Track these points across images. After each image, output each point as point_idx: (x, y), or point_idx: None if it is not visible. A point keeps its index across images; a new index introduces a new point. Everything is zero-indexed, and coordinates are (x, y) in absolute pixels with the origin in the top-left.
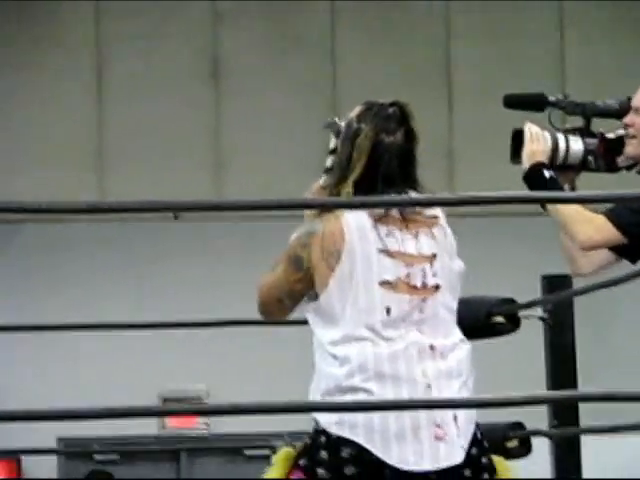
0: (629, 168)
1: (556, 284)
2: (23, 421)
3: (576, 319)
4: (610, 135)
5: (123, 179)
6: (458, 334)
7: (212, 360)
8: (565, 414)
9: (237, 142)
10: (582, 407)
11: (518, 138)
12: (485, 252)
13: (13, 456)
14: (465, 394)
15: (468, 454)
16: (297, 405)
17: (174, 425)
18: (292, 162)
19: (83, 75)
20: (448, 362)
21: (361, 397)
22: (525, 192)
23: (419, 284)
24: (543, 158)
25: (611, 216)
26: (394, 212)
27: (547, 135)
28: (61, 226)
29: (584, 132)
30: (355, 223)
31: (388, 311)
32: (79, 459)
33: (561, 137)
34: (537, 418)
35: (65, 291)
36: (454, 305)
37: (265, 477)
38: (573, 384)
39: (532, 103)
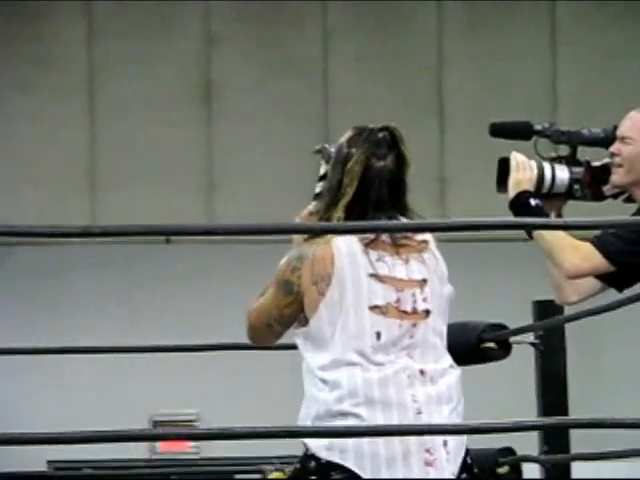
0: (615, 197)
1: (547, 310)
2: (12, 445)
3: (567, 344)
4: (596, 163)
5: (115, 200)
6: (448, 359)
7: (203, 384)
8: (555, 440)
9: (229, 164)
10: (573, 432)
11: (504, 166)
12: (476, 278)
13: None
14: (455, 420)
15: None
16: (287, 430)
17: (165, 449)
18: (284, 184)
19: (76, 97)
20: (438, 387)
21: (351, 422)
22: (512, 218)
23: (409, 309)
24: (529, 186)
25: (598, 244)
26: (384, 237)
27: (533, 163)
28: (53, 248)
29: (570, 161)
30: (345, 248)
31: (378, 336)
32: None
33: (547, 166)
34: (528, 443)
35: (56, 313)
36: (444, 330)
37: None
38: (564, 410)
39: (517, 132)
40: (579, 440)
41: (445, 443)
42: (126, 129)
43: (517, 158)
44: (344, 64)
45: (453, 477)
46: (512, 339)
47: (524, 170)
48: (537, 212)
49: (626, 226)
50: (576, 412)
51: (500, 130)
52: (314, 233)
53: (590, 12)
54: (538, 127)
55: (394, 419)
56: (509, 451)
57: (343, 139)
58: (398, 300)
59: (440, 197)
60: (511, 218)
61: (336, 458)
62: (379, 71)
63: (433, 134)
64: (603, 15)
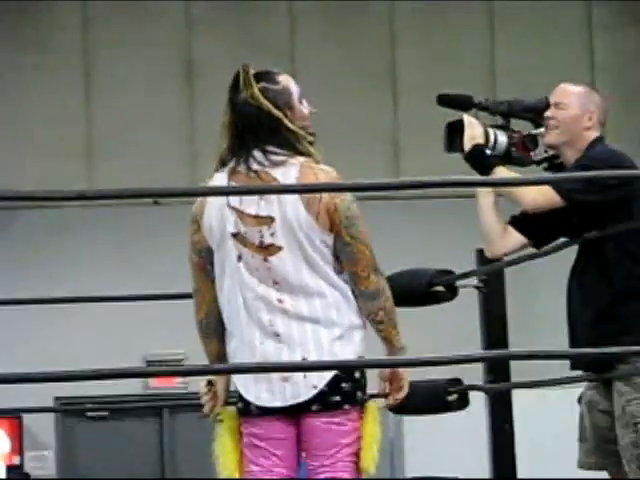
0: (539, 163)
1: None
2: (24, 383)
3: (506, 287)
4: (526, 132)
5: (110, 168)
6: (323, 281)
7: (190, 327)
8: (498, 371)
9: (209, 134)
10: (512, 364)
11: (452, 129)
12: (426, 230)
13: (15, 414)
14: (337, 347)
15: (323, 392)
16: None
17: (157, 385)
18: None
19: (73, 76)
20: (301, 316)
21: (234, 342)
22: (472, 177)
23: (257, 243)
24: (482, 140)
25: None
26: (240, 167)
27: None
28: (53, 211)
29: (505, 129)
30: (216, 182)
31: (239, 258)
32: (73, 416)
33: (490, 130)
34: (473, 374)
35: (60, 268)
36: (317, 263)
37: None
38: (505, 344)
39: (460, 103)
40: (517, 371)
41: (304, 360)
42: (118, 105)
43: (469, 118)
44: (308, 43)
45: (313, 390)
46: (458, 283)
47: (477, 127)
48: (492, 161)
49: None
50: (515, 347)
51: (445, 101)
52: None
53: None
54: (476, 100)
55: (256, 340)
56: (457, 381)
57: None
58: (246, 233)
59: (395, 160)
60: (472, 177)
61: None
62: (340, 49)
63: (387, 106)
64: None
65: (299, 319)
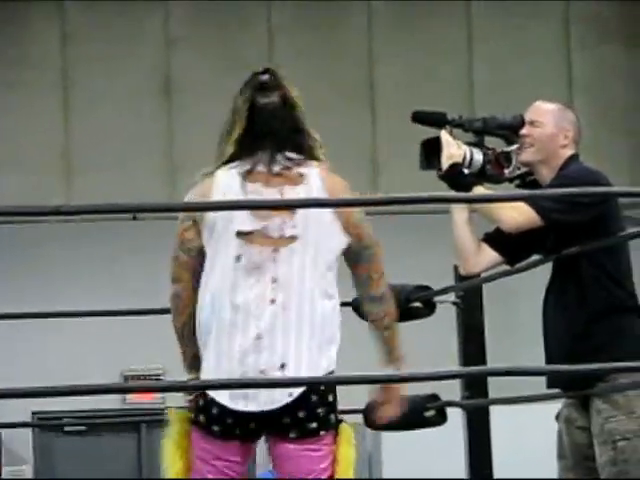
0: (511, 180)
1: None
2: (3, 398)
3: (484, 302)
4: (500, 150)
5: (88, 182)
6: (322, 291)
7: (168, 342)
8: (475, 387)
9: (188, 149)
10: (490, 380)
11: (427, 147)
12: (404, 245)
13: None
14: (315, 353)
15: (300, 399)
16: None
17: (134, 400)
18: None
19: (52, 92)
20: (290, 316)
21: (211, 344)
22: (454, 194)
23: (276, 235)
24: (459, 159)
25: (531, 202)
26: (260, 168)
27: (459, 142)
28: (32, 226)
29: (480, 146)
30: (224, 181)
31: (238, 259)
32: (51, 430)
33: (466, 147)
34: (451, 390)
35: (35, 284)
36: (329, 258)
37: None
38: (482, 360)
39: (434, 120)
40: (495, 386)
41: (283, 366)
42: (97, 120)
43: (446, 137)
44: (286, 59)
45: (288, 397)
46: (436, 299)
47: (454, 146)
48: (470, 180)
49: (547, 196)
50: (493, 362)
51: (419, 118)
52: (272, 208)
53: (503, 8)
54: (450, 117)
55: (236, 342)
56: (435, 397)
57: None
58: (265, 227)
59: (373, 177)
60: (449, 193)
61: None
62: (319, 67)
63: (366, 122)
64: (514, 14)
65: (286, 323)
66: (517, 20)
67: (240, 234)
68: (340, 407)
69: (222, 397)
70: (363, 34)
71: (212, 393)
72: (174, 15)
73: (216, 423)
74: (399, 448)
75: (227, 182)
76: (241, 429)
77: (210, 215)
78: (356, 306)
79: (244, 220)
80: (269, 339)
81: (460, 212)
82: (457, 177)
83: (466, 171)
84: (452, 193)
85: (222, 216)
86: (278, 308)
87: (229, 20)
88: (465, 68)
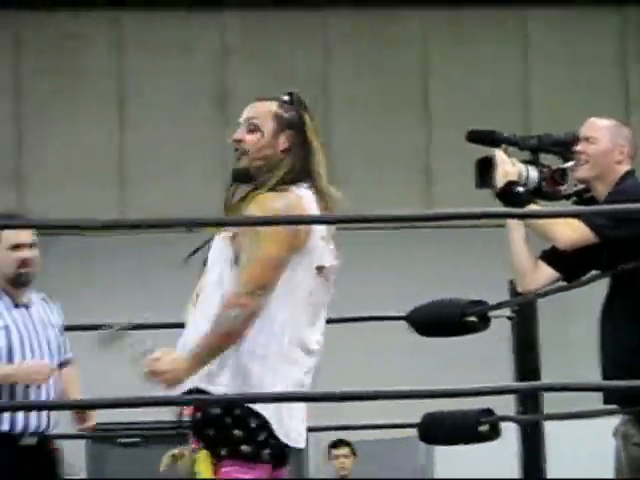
0: (568, 197)
1: None
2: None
3: (538, 317)
4: (556, 167)
5: (142, 192)
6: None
7: None
8: (530, 402)
9: None
10: (545, 393)
11: (482, 165)
12: (458, 260)
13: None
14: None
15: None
16: (289, 395)
17: (188, 412)
18: None
19: (107, 102)
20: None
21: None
22: (507, 209)
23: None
24: (515, 177)
25: (585, 219)
26: (323, 192)
27: (514, 160)
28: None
29: (535, 164)
30: (308, 200)
31: (311, 294)
32: (105, 442)
33: (522, 165)
34: (505, 404)
35: (90, 294)
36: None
37: None
38: (537, 375)
39: (489, 139)
40: (549, 400)
41: None
42: (152, 131)
43: (501, 155)
44: (341, 72)
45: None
46: (491, 313)
47: (510, 164)
48: (525, 198)
49: (601, 212)
50: (547, 377)
51: (474, 137)
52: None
53: (558, 24)
54: (505, 135)
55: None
56: (489, 412)
57: (275, 112)
58: (335, 266)
59: (427, 188)
60: (502, 208)
61: None
62: (374, 78)
63: (420, 134)
64: (571, 27)
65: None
66: (573, 37)
67: (319, 269)
68: (392, 421)
69: (296, 440)
70: (418, 47)
71: (275, 424)
72: (230, 26)
73: (274, 456)
74: (452, 462)
75: (310, 202)
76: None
77: (311, 236)
78: (412, 320)
79: (323, 254)
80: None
81: (517, 230)
82: (513, 195)
83: (521, 189)
84: (505, 208)
85: (312, 244)
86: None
87: (284, 32)
88: (520, 84)
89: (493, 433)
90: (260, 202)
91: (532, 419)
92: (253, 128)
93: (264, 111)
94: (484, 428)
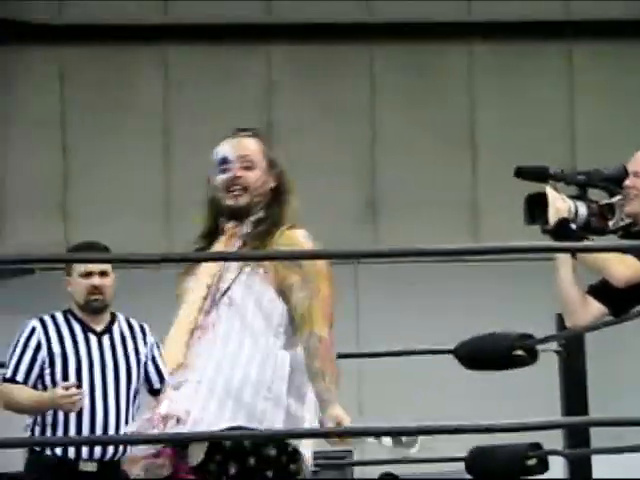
0: (615, 232)
1: None
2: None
3: (587, 351)
4: (603, 202)
5: (188, 227)
6: None
7: None
8: (578, 436)
9: None
10: (593, 428)
11: (531, 202)
12: (505, 293)
13: None
14: None
15: None
16: (338, 430)
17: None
18: (333, 209)
19: (153, 137)
20: None
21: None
22: (562, 243)
23: None
24: (566, 214)
25: (637, 255)
26: None
27: (564, 196)
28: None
29: (583, 199)
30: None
31: None
32: None
33: (570, 201)
34: (553, 438)
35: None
36: None
37: None
38: (584, 409)
39: (537, 175)
40: (597, 434)
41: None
42: (197, 164)
43: (552, 192)
44: (388, 105)
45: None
46: (539, 347)
47: (562, 201)
48: (578, 235)
49: None
50: (595, 410)
51: (522, 173)
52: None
53: (604, 56)
54: (552, 171)
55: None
56: (537, 446)
57: (263, 150)
58: None
59: (473, 222)
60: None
61: None
62: (420, 112)
63: (466, 165)
64: (617, 58)
65: None
66: (618, 68)
67: None
68: (436, 455)
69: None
70: (464, 80)
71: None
72: (275, 59)
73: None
74: None
75: None
76: None
77: None
78: (460, 354)
79: None
80: None
81: (565, 266)
82: (566, 232)
83: (574, 226)
84: (557, 242)
85: None
86: None
87: (330, 65)
88: (566, 116)
89: (541, 467)
90: (292, 237)
91: (580, 453)
92: (250, 165)
93: (256, 149)
94: (532, 462)
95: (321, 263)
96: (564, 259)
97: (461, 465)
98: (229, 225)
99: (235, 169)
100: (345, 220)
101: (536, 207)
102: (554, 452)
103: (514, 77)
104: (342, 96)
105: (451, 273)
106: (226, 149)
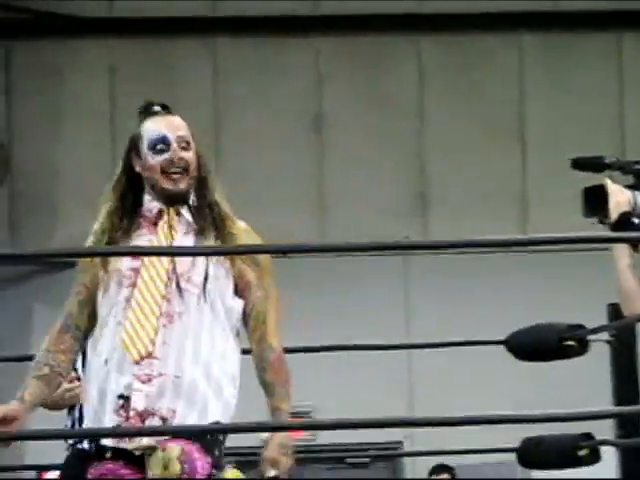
0: None
1: (619, 311)
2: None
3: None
4: None
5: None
6: None
7: (318, 380)
8: (629, 425)
9: (339, 189)
10: None
11: (589, 194)
12: (556, 284)
13: None
14: None
15: None
16: (390, 421)
17: None
18: (381, 202)
19: (204, 132)
20: None
21: None
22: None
23: None
24: (628, 207)
25: None
26: None
27: (623, 188)
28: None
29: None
30: None
31: None
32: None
33: (628, 192)
34: (604, 428)
35: None
36: None
37: None
38: (636, 399)
39: (593, 165)
40: None
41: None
42: (248, 157)
43: (612, 184)
44: (436, 98)
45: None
46: (589, 337)
47: (622, 193)
48: (638, 227)
49: None
50: None
51: (579, 164)
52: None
53: None
54: (608, 161)
55: None
56: (588, 436)
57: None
58: None
59: (523, 215)
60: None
61: None
62: (468, 106)
63: (516, 158)
64: None
65: None
66: None
67: None
68: (492, 444)
69: None
70: (514, 73)
71: None
72: (324, 52)
73: None
74: None
75: None
76: None
77: None
78: (511, 345)
79: None
80: None
81: (623, 257)
82: (628, 225)
83: (636, 220)
84: (617, 233)
85: None
86: None
87: (379, 58)
88: (615, 108)
89: (593, 457)
90: (248, 230)
91: (632, 443)
92: (186, 146)
93: (186, 128)
94: (583, 452)
95: (269, 261)
96: (622, 250)
97: (513, 456)
98: (166, 210)
99: (176, 149)
100: (394, 213)
101: (594, 199)
102: (606, 442)
103: (563, 69)
104: (390, 88)
105: (500, 265)
106: (162, 127)
